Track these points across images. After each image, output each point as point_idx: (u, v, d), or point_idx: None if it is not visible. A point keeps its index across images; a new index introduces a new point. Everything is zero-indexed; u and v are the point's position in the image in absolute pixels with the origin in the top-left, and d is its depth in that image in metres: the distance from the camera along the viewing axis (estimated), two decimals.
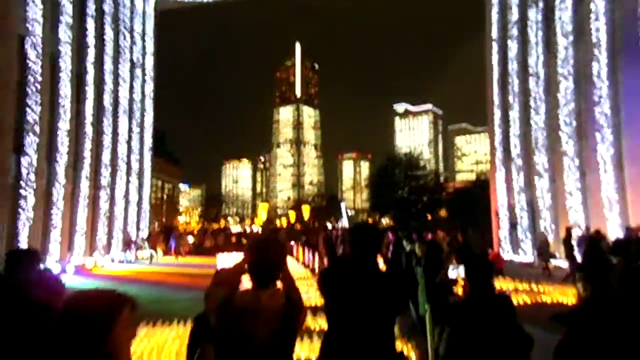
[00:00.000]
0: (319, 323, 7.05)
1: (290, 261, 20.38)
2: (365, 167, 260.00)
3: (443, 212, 46.48)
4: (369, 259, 2.56)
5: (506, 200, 21.51)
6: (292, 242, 22.67)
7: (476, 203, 37.31)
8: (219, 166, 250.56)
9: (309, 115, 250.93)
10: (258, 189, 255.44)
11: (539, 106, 17.94)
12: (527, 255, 19.40)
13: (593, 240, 9.38)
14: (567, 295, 10.01)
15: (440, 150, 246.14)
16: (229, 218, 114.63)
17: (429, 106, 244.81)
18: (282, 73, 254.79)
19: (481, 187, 43.01)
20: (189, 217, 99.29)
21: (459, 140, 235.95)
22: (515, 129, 19.85)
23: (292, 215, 67.19)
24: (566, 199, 16.37)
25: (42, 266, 13.29)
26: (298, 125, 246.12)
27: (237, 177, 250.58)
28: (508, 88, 20.28)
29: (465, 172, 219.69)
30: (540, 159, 17.89)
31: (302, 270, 16.75)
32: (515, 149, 19.84)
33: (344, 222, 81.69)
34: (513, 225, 19.81)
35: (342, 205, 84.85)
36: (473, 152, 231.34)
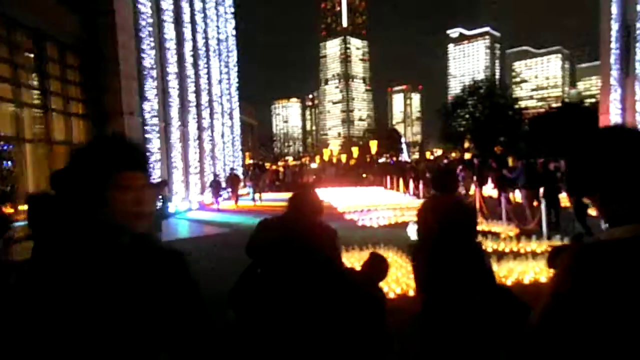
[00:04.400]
0: None
1: (389, 193, 20.57)
2: (416, 99, 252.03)
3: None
4: None
5: (621, 123, 20.09)
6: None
7: (559, 131, 35.34)
8: (268, 106, 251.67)
9: (357, 47, 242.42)
10: (308, 127, 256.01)
11: None
12: None
13: None
14: None
15: (497, 77, 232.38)
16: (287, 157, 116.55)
17: (486, 29, 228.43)
18: (327, 3, 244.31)
19: (564, 113, 40.50)
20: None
21: (518, 65, 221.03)
22: None
23: (356, 150, 67.33)
24: None
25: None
26: (346, 59, 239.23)
27: (287, 116, 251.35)
28: None
29: (524, 100, 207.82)
30: None
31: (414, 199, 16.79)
32: None
33: (404, 156, 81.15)
34: None
35: (402, 139, 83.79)
36: (533, 78, 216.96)
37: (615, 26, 19.78)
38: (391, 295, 5.70)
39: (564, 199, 10.44)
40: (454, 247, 2.94)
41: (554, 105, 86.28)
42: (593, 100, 75.34)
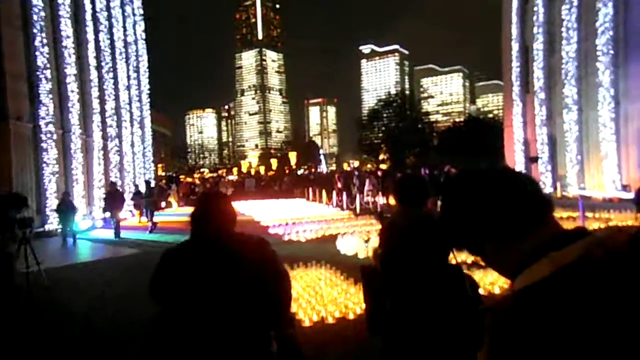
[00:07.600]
0: None
1: (311, 205, 20.19)
2: (332, 111, 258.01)
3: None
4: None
5: (522, 136, 21.73)
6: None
7: (466, 142, 37.82)
8: (182, 116, 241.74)
9: (273, 59, 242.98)
10: (224, 138, 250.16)
11: (570, 36, 17.62)
12: (545, 187, 19.89)
13: None
14: None
15: (407, 92, 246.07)
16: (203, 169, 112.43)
17: (395, 46, 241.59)
18: (241, 13, 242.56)
19: (471, 126, 43.51)
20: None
21: (425, 82, 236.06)
22: (538, 62, 19.64)
23: (275, 162, 66.69)
24: (599, 130, 16.53)
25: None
26: (262, 70, 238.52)
27: (202, 127, 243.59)
28: (531, 19, 19.84)
29: (432, 114, 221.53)
30: (570, 91, 17.85)
31: (340, 211, 16.55)
32: (538, 82, 19.74)
33: (322, 167, 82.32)
34: (534, 160, 20.12)
35: (321, 151, 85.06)
36: (439, 93, 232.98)
37: (515, 46, 21.47)
38: (330, 320, 5.14)
39: None
40: (426, 272, 2.44)
41: (457, 119, 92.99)
42: (490, 115, 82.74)
